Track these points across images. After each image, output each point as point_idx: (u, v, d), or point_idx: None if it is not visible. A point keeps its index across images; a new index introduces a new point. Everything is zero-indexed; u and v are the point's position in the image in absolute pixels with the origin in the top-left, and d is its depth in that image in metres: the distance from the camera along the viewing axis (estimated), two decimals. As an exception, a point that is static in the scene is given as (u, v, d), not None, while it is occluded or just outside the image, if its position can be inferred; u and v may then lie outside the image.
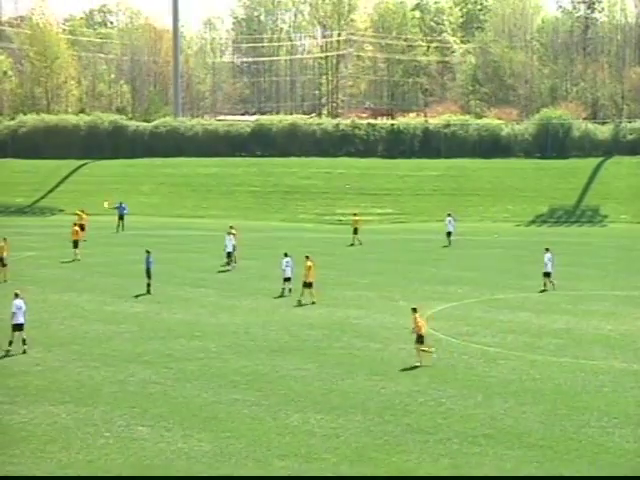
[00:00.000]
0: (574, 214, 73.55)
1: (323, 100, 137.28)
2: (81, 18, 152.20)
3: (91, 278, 44.30)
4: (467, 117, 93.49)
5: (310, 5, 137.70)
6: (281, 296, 39.45)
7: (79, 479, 19.32)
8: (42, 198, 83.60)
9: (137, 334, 31.78)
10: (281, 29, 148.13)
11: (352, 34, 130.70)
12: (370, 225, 70.59)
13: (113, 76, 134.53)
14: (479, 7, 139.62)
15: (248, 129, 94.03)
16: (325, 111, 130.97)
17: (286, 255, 40.33)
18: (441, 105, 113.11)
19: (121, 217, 65.53)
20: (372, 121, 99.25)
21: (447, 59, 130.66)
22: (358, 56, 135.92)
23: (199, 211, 78.14)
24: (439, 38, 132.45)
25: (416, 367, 27.47)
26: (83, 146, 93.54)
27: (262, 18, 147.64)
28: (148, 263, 40.33)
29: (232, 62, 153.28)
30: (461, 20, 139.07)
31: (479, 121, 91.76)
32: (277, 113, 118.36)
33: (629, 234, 61.75)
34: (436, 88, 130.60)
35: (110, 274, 45.55)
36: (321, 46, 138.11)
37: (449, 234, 58.06)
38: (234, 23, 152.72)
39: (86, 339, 31.17)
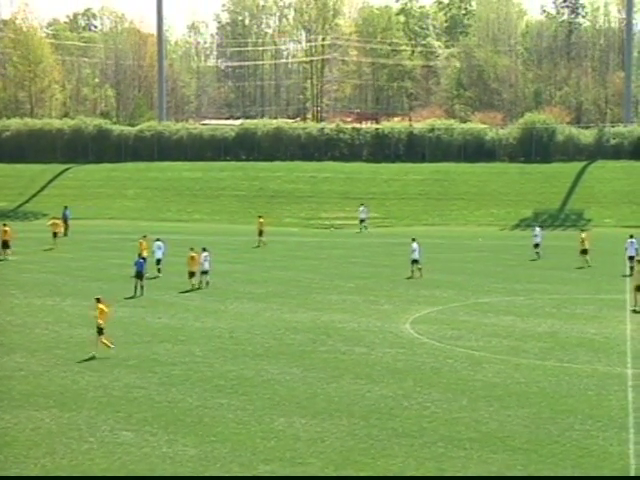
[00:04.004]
0: (558, 218, 73.84)
1: (308, 104, 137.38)
2: (65, 22, 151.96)
3: (75, 282, 44.16)
4: (452, 121, 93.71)
5: (295, 10, 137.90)
6: (198, 288, 41.60)
7: (79, 479, 19.23)
8: (26, 202, 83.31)
9: (122, 338, 31.68)
10: (266, 33, 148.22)
11: (337, 38, 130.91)
12: (355, 229, 70.69)
13: (97, 80, 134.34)
14: (463, 12, 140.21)
15: (233, 133, 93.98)
16: (310, 115, 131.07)
17: (204, 250, 42.42)
18: (426, 109, 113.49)
19: (65, 222, 65.19)
20: (357, 125, 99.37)
21: (432, 63, 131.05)
22: (343, 60, 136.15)
23: (184, 215, 78.04)
24: (424, 42, 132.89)
25: (399, 370, 27.49)
26: (67, 150, 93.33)
27: (247, 22, 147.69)
28: (139, 265, 40.24)
29: (217, 66, 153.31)
30: (445, 24, 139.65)
31: (464, 125, 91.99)
32: (262, 117, 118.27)
33: (613, 238, 61.99)
34: (421, 92, 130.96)
35: (94, 278, 45.41)
36: (306, 50, 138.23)
37: (362, 221, 68.78)
38: (218, 27, 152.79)
39: (70, 344, 31.05)
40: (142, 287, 40.17)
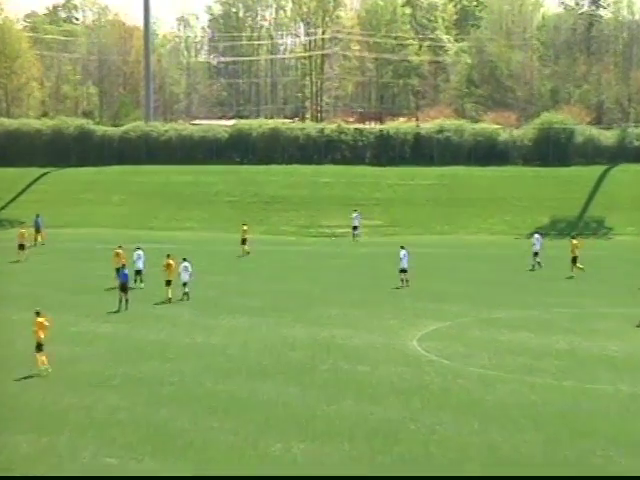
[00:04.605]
0: (577, 226, 73.84)
1: (307, 103, 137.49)
2: (44, 14, 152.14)
3: (56, 295, 44.17)
4: (462, 121, 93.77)
5: (293, 1, 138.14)
6: (181, 300, 42.14)
7: (78, 479, 19.23)
8: (1, 209, 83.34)
9: (105, 356, 31.69)
10: (261, 27, 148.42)
11: (338, 32, 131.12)
12: (362, 238, 70.64)
13: (79, 77, 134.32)
14: (474, 3, 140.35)
15: (226, 134, 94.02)
16: (309, 115, 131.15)
17: (184, 260, 42.90)
18: (434, 108, 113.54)
19: (37, 230, 65.25)
20: (360, 126, 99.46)
21: (440, 59, 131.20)
22: (344, 56, 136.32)
23: (173, 223, 78.05)
24: (432, 36, 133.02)
25: (405, 391, 27.51)
26: (46, 153, 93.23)
27: (241, 15, 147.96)
28: (123, 277, 40.34)
29: (208, 62, 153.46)
30: (455, 17, 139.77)
31: (475, 126, 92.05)
32: (257, 117, 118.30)
33: (636, 247, 62.05)
34: (428, 90, 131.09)
35: (77, 291, 45.42)
36: (304, 45, 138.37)
37: (355, 228, 69.88)
38: (210, 20, 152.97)
39: (50, 362, 31.05)
40: (127, 301, 40.22)
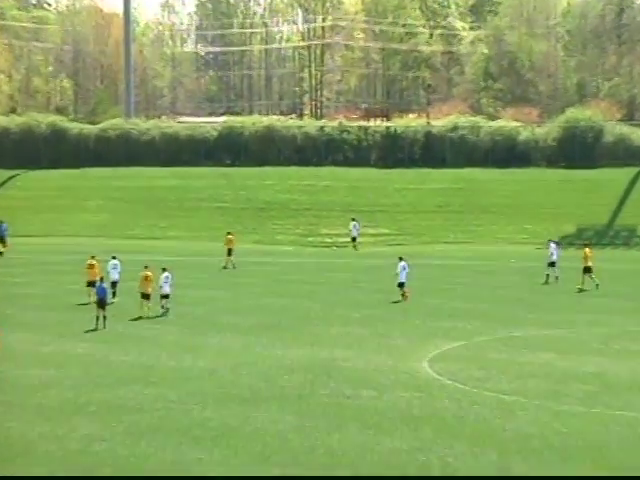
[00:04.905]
0: (606, 235, 73.97)
1: (305, 98, 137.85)
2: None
3: (25, 313, 44.15)
4: (478, 118, 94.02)
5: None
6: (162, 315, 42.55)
7: (79, 479, 19.16)
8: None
9: (81, 380, 31.67)
10: (254, 13, 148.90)
11: (340, 19, 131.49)
12: (362, 248, 70.71)
13: (51, 69, 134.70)
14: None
15: (215, 133, 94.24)
16: (307, 111, 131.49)
17: (164, 270, 43.68)
18: (446, 104, 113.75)
19: (2, 239, 65.21)
20: (364, 123, 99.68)
21: (454, 49, 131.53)
22: (347, 46, 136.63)
23: (156, 232, 78.13)
24: (444, 24, 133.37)
25: (415, 419, 27.51)
26: (15, 153, 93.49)
27: (232, 0, 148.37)
28: (101, 292, 40.37)
29: (195, 53, 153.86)
30: (471, 2, 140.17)
31: (492, 123, 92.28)
32: (250, 114, 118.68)
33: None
34: (441, 84, 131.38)
35: (48, 308, 45.42)
36: (303, 33, 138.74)
37: (354, 239, 71.00)
38: (198, 6, 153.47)
39: (18, 387, 31.04)
40: (105, 318, 40.25)
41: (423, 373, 33.03)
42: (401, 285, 47.35)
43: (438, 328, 40.78)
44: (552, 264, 53.41)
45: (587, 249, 52.44)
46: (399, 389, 30.68)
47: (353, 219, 72.02)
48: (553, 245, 54.80)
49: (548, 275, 53.30)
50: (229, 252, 60.30)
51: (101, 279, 42.11)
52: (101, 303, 40.34)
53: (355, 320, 42.71)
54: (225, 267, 59.63)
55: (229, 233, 62.30)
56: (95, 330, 39.92)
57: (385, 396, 29.95)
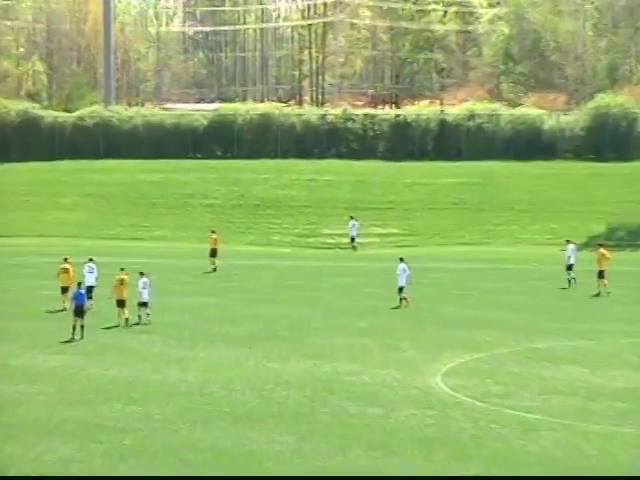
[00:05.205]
0: (640, 235, 73.96)
1: (305, 83, 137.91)
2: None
3: (-7, 321, 44.24)
4: (497, 105, 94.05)
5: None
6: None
7: (81, 479, 19.19)
8: None
9: (55, 397, 31.71)
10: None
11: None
12: (368, 249, 70.73)
13: (22, 50, 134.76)
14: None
15: (205, 121, 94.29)
16: (308, 98, 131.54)
17: (142, 275, 43.67)
18: (462, 89, 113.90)
19: None
20: (371, 111, 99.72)
21: (470, 28, 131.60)
22: (352, 24, 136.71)
23: (139, 231, 78.14)
24: (460, 0, 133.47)
25: (427, 439, 27.55)
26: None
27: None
28: (78, 298, 40.41)
29: (183, 32, 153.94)
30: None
31: (513, 111, 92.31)
32: (244, 100, 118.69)
33: None
34: (456, 67, 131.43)
35: (18, 316, 45.43)
36: (302, 11, 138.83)
37: (352, 239, 71.64)
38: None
39: (-14, 403, 31.10)
40: (82, 327, 40.28)
41: (436, 389, 33.06)
42: (401, 289, 47.64)
43: (453, 339, 40.79)
44: (570, 267, 53.51)
45: (603, 249, 52.29)
46: (409, 407, 30.71)
47: (352, 217, 72.28)
48: (571, 246, 54.78)
49: (570, 280, 53.40)
50: (213, 253, 60.36)
51: (78, 284, 42.15)
52: (78, 311, 40.35)
53: (360, 330, 42.72)
54: (210, 271, 59.67)
55: (213, 232, 62.34)
56: (71, 341, 39.95)
57: (394, 414, 29.99)
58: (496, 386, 33.33)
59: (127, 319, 42.85)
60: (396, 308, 47.19)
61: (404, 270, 47.61)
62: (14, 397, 31.77)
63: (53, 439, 27.51)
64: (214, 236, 61.39)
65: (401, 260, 48.44)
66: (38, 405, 30.93)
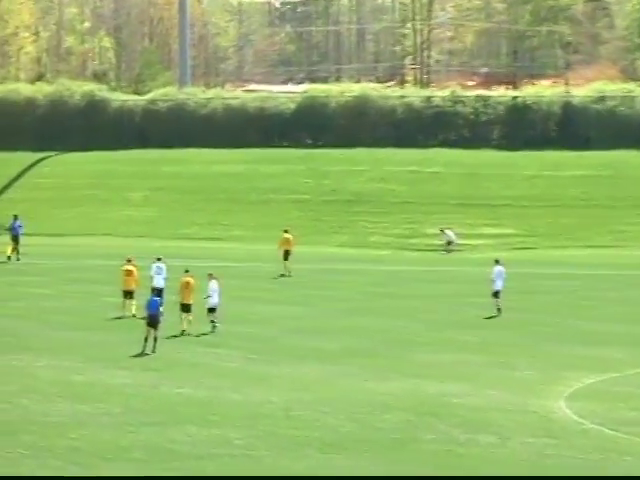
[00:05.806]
0: None
1: (407, 60, 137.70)
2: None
3: (51, 332, 44.74)
4: (632, 86, 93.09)
5: None
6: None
7: (83, 479, 19.37)
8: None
9: (122, 418, 32.03)
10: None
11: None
12: (479, 252, 70.40)
13: (88, 25, 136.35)
14: None
15: (292, 105, 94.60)
16: (410, 77, 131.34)
17: (211, 277, 44.67)
18: (591, 67, 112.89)
19: (15, 238, 65.46)
20: (484, 92, 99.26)
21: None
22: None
23: (217, 230, 78.62)
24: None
25: (549, 471, 27.37)
26: (41, 132, 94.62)
27: None
28: (152, 306, 40.62)
29: (268, 3, 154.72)
30: None
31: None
32: (337, 81, 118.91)
33: None
34: (584, 41, 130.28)
35: (80, 326, 45.95)
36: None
37: (449, 243, 72.37)
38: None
39: (44, 425, 31.46)
40: (155, 339, 40.49)
41: (559, 414, 32.85)
42: (496, 294, 47.59)
43: (578, 357, 40.49)
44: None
45: None
46: (526, 434, 30.54)
47: (442, 230, 73.48)
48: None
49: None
50: (286, 255, 60.45)
51: (152, 291, 42.51)
52: (152, 320, 40.33)
53: (470, 345, 42.60)
54: (283, 275, 59.88)
55: (286, 231, 62.45)
56: (142, 354, 40.26)
57: (509, 443, 29.85)
58: (629, 412, 33.04)
59: (190, 321, 43.33)
60: (490, 318, 47.53)
61: (500, 273, 47.72)
62: (77, 418, 32.16)
63: (119, 465, 27.78)
64: (287, 236, 61.51)
65: (497, 262, 48.55)
66: (103, 427, 31.27)
